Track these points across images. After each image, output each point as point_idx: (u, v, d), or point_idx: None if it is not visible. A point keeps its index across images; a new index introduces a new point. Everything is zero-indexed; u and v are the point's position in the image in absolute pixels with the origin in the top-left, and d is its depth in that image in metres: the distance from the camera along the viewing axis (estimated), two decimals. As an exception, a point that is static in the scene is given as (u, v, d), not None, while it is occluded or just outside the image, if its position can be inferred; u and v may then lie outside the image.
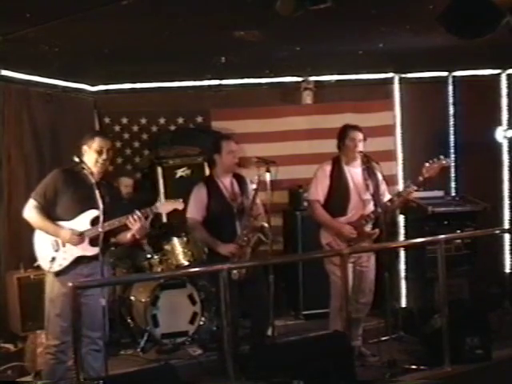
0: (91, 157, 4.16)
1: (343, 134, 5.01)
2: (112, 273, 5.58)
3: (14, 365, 4.82)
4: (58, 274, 4.11)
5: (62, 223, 4.13)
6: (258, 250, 4.84)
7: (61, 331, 4.10)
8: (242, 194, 4.87)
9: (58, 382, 4.09)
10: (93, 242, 4.13)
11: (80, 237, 4.09)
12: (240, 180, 4.95)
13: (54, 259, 4.10)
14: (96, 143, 4.15)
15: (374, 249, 5.11)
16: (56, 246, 4.12)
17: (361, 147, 4.93)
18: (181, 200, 4.36)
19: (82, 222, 4.13)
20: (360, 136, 4.95)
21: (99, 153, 4.15)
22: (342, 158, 5.04)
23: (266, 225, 4.82)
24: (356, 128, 5.00)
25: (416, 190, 4.92)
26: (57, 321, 4.11)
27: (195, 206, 4.82)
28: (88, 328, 4.05)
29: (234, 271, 4.66)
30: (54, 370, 4.15)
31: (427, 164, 4.80)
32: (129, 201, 5.62)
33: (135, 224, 4.07)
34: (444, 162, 4.84)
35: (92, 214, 4.13)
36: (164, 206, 4.29)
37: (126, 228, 4.13)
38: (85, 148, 4.18)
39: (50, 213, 4.13)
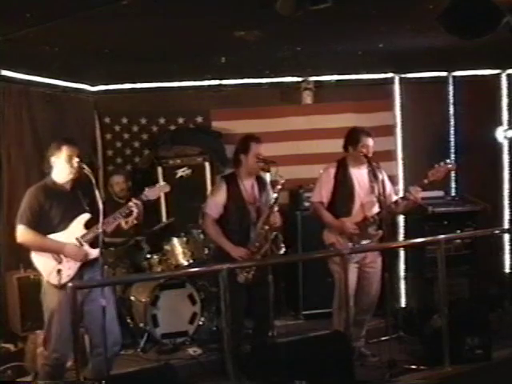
0: (62, 167, 4.08)
1: (356, 139, 4.90)
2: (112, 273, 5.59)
3: (14, 365, 4.81)
4: (65, 284, 4.01)
5: (56, 235, 4.08)
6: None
7: (61, 343, 4.03)
8: (261, 197, 4.84)
9: (57, 382, 4.08)
10: (93, 245, 4.12)
11: (85, 250, 4.07)
12: (261, 183, 4.92)
13: (60, 271, 4.04)
14: (64, 152, 4.07)
15: (374, 249, 5.09)
16: (58, 258, 4.06)
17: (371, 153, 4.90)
18: (165, 183, 4.46)
19: (76, 228, 4.10)
20: (372, 142, 4.90)
21: (69, 161, 4.06)
22: (349, 160, 5.00)
23: (280, 236, 4.78)
24: (369, 134, 4.93)
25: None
26: (58, 333, 4.03)
27: (213, 203, 4.81)
28: (100, 335, 3.97)
29: (241, 275, 4.66)
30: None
31: (434, 167, 4.79)
32: (123, 198, 5.64)
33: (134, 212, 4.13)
34: (450, 165, 4.84)
35: (83, 218, 4.12)
36: (152, 192, 4.29)
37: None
38: (53, 159, 4.10)
39: (41, 230, 4.05)
